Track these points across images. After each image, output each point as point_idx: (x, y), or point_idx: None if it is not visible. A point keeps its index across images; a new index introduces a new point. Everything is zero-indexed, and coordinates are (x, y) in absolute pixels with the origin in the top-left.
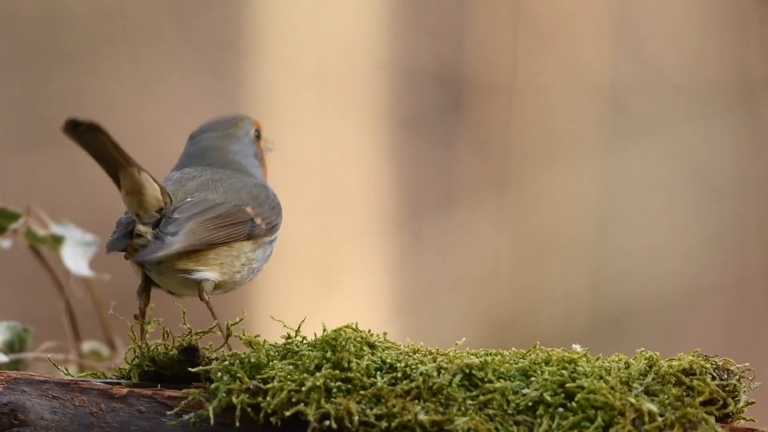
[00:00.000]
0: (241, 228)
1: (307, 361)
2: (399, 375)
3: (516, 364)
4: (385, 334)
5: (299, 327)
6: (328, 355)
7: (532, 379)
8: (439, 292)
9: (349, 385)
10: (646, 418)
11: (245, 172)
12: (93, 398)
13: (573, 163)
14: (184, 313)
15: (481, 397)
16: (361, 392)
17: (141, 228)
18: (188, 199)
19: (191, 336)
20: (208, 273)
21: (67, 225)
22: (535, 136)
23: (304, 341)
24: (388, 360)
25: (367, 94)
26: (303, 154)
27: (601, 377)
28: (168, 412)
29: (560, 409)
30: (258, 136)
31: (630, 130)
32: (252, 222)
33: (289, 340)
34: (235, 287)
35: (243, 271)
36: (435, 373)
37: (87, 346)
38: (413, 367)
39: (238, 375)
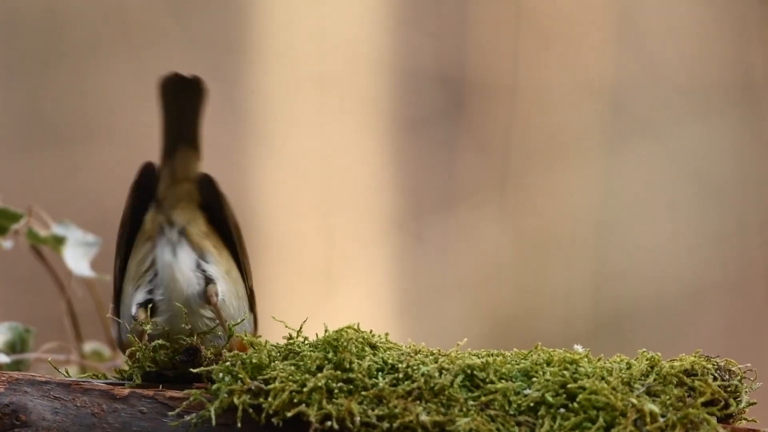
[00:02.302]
0: None
1: (309, 361)
2: (401, 376)
3: (518, 364)
4: (386, 334)
5: (301, 328)
6: (330, 355)
7: (534, 379)
8: (441, 292)
9: (351, 386)
10: (648, 419)
11: None
12: (95, 399)
13: (574, 164)
14: (185, 313)
15: (483, 398)
16: (363, 393)
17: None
18: None
19: (193, 337)
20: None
21: (68, 225)
22: (537, 137)
23: (306, 342)
24: (390, 361)
25: (369, 95)
26: (304, 155)
27: (603, 378)
28: (170, 413)
29: (562, 410)
30: None
31: (631, 131)
32: None
33: (291, 341)
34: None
35: None
36: (436, 374)
37: (88, 346)
38: (415, 367)
39: (240, 376)
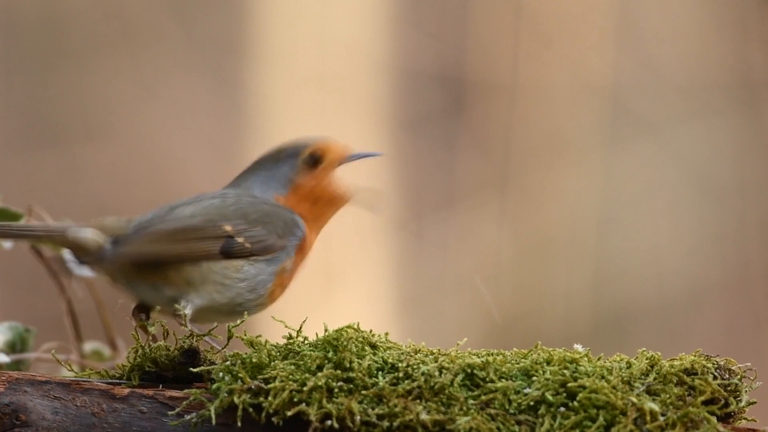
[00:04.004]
0: (210, 244)
1: (309, 361)
2: (401, 375)
3: (518, 363)
4: (386, 334)
5: (301, 327)
6: (330, 355)
7: (534, 378)
8: (441, 292)
9: (351, 385)
10: (648, 418)
11: (260, 197)
12: (94, 398)
13: (574, 164)
14: (185, 315)
15: (483, 397)
16: (363, 392)
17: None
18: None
19: (192, 338)
20: (173, 291)
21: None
22: (537, 136)
23: (306, 341)
24: (390, 360)
25: (369, 95)
26: None
27: (603, 377)
28: (170, 413)
29: (562, 409)
30: (314, 162)
31: (631, 130)
32: (230, 239)
33: (291, 341)
34: (234, 311)
35: (226, 293)
36: (437, 373)
37: (89, 346)
38: (415, 367)
39: (240, 375)
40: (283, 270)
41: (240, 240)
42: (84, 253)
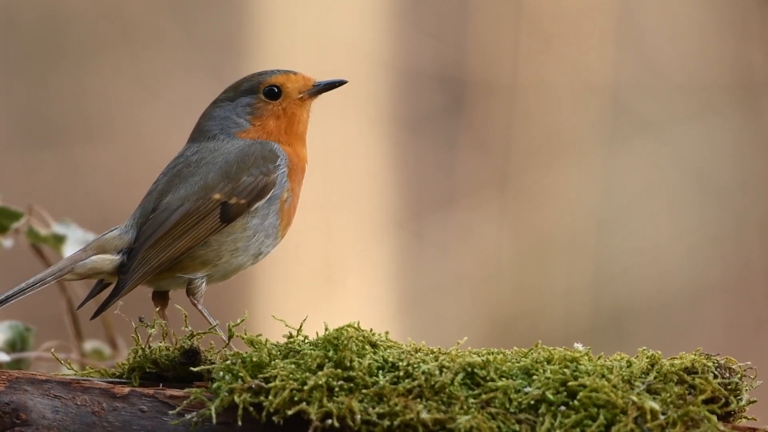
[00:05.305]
0: (208, 221)
1: (309, 360)
2: (401, 374)
3: (518, 362)
4: (386, 333)
5: (301, 326)
6: (330, 354)
7: (534, 377)
8: (441, 291)
9: (351, 384)
10: (649, 416)
11: (223, 140)
12: (95, 397)
13: (575, 163)
14: (186, 316)
15: (483, 396)
16: (363, 391)
17: (107, 278)
18: (150, 216)
19: (193, 338)
20: (193, 275)
21: (68, 224)
22: (537, 136)
23: (306, 340)
24: (390, 359)
25: (369, 95)
26: None
27: (603, 376)
28: (170, 412)
29: (562, 408)
30: (273, 95)
31: (632, 130)
32: (224, 205)
33: (291, 340)
34: (259, 259)
35: (242, 254)
36: (437, 372)
37: (89, 345)
38: (415, 365)
39: (240, 374)
40: (283, 202)
41: (233, 201)
42: (102, 276)
